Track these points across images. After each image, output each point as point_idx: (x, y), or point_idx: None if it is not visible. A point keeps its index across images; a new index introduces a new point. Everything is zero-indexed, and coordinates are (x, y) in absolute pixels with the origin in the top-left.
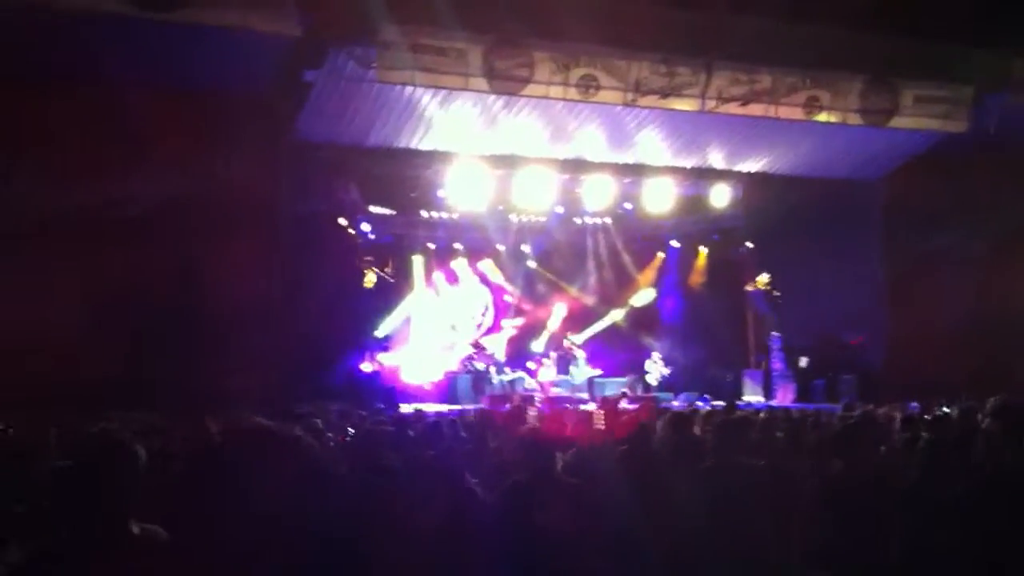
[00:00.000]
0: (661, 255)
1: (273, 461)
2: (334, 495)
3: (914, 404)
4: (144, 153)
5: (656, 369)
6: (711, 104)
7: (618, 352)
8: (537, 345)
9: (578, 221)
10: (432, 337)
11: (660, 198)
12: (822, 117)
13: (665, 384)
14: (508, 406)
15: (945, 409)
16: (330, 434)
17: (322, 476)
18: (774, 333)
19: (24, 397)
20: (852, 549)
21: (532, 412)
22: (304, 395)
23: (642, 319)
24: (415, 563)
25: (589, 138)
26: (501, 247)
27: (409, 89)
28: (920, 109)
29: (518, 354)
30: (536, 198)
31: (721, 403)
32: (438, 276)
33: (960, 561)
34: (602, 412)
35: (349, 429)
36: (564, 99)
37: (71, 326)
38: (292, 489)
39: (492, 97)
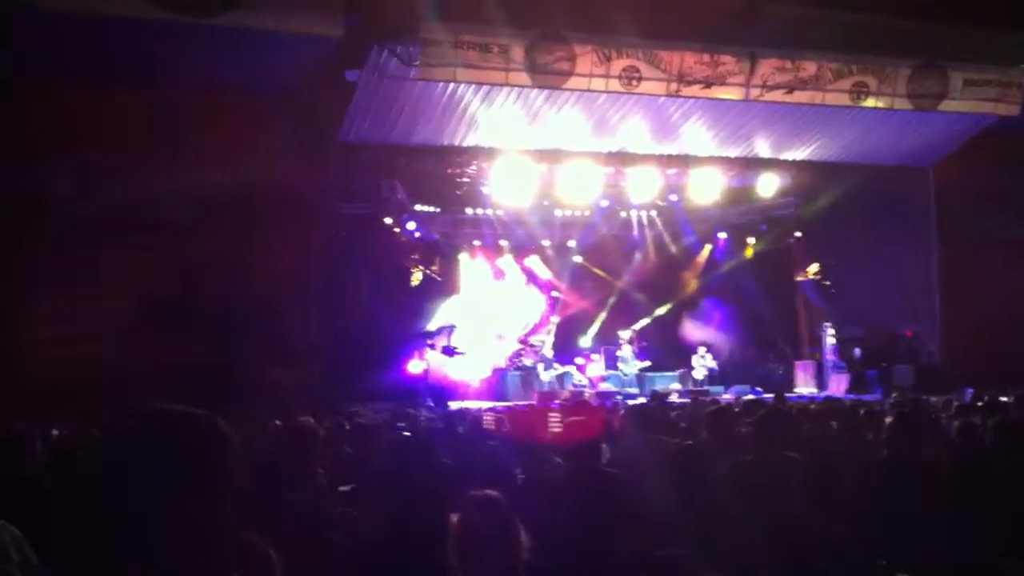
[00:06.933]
0: (709, 246)
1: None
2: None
3: (970, 389)
4: (188, 151)
5: (702, 363)
6: (756, 92)
7: (667, 345)
8: (585, 340)
9: (624, 214)
10: (479, 335)
11: (706, 189)
12: (869, 103)
13: (716, 377)
14: (557, 402)
15: (1002, 398)
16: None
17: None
18: (826, 323)
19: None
20: (904, 537)
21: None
22: (355, 395)
23: (691, 312)
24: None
25: (633, 130)
26: (547, 243)
27: (451, 86)
28: (970, 92)
29: (566, 350)
30: (581, 192)
31: (770, 395)
32: (485, 273)
33: (1013, 548)
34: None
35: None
36: (606, 91)
37: (115, 321)
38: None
39: (534, 92)
